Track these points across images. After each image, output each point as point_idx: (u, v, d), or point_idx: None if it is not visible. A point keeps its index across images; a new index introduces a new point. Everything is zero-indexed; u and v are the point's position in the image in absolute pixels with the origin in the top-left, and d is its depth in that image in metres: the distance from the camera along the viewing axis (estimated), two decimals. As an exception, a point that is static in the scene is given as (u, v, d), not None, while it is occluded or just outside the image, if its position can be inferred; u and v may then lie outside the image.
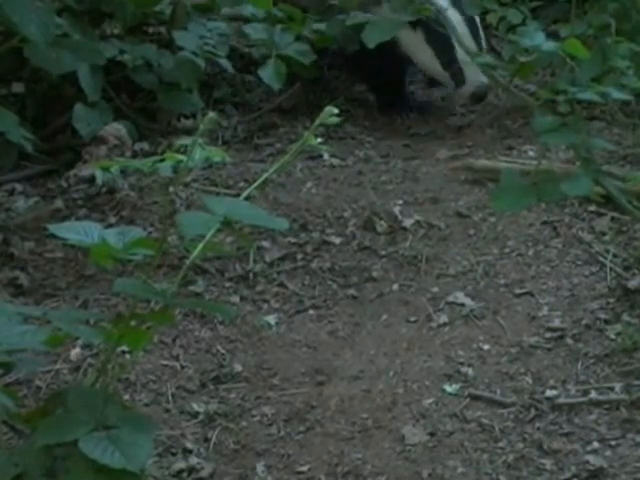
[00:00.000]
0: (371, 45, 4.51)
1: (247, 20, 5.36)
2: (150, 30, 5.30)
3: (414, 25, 4.22)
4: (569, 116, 3.43)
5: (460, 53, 4.20)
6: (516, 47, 3.56)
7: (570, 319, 3.77)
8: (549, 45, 3.44)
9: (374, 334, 3.80)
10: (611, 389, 3.50)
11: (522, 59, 4.18)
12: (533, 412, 3.44)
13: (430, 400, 3.49)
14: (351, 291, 4.01)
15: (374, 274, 4.07)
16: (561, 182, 3.18)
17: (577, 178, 3.22)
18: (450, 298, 3.90)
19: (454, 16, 4.23)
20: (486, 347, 3.69)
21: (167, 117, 5.14)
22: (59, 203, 4.52)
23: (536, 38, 3.50)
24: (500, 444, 3.34)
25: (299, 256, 4.18)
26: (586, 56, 3.36)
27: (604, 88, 3.38)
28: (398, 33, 4.34)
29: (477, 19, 4.43)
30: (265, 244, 4.21)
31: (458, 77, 4.28)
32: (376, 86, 4.80)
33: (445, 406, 3.47)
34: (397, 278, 4.05)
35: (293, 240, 4.25)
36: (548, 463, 3.26)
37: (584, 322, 3.76)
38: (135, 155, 4.81)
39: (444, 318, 3.82)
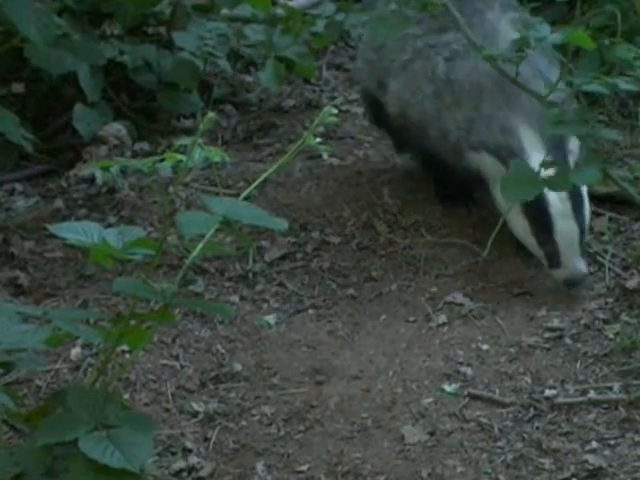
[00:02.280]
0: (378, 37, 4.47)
1: (246, 21, 5.37)
2: (150, 31, 5.30)
3: None
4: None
5: (559, 233, 3.60)
6: (522, 40, 3.51)
7: (569, 319, 3.78)
8: (555, 37, 3.44)
9: (373, 334, 3.80)
10: (610, 389, 3.50)
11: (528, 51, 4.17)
12: (532, 412, 3.45)
13: (429, 400, 3.50)
14: (350, 291, 4.01)
15: (373, 274, 4.08)
16: (570, 173, 3.18)
17: (586, 169, 3.23)
18: (449, 298, 3.91)
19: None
20: (485, 347, 3.69)
21: (167, 117, 5.14)
22: (59, 203, 4.52)
23: (541, 30, 3.49)
24: (499, 443, 3.34)
25: (299, 256, 4.19)
26: (592, 47, 3.36)
27: (611, 80, 3.38)
28: (495, 191, 3.66)
29: (584, 192, 3.72)
30: (265, 244, 4.22)
31: (553, 258, 3.64)
32: (443, 184, 4.12)
33: (444, 406, 3.48)
34: (396, 278, 4.05)
35: (293, 240, 4.25)
36: (547, 462, 3.27)
37: (583, 322, 3.76)
38: (135, 155, 4.82)
39: (443, 318, 3.82)
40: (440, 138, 3.78)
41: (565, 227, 3.59)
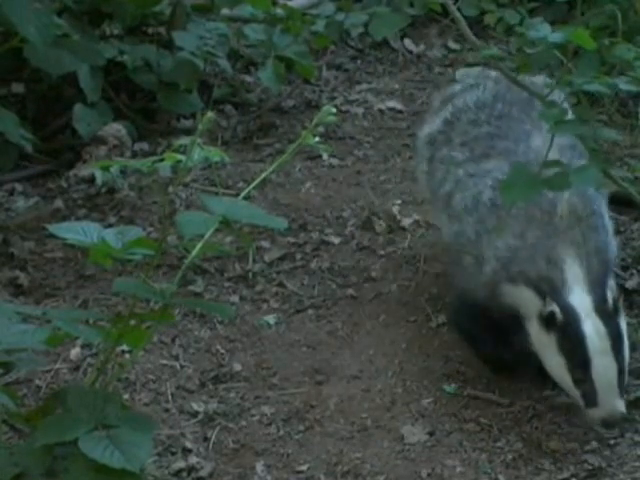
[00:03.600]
0: (378, 37, 4.40)
1: (246, 21, 5.37)
2: (149, 31, 5.30)
3: (548, 327, 3.27)
4: (575, 108, 3.42)
5: (596, 371, 3.28)
6: (522, 40, 3.49)
7: (568, 319, 3.77)
8: (555, 36, 3.43)
9: (373, 334, 3.81)
10: (609, 388, 3.50)
11: (529, 51, 4.16)
12: (531, 412, 3.45)
13: (429, 400, 3.50)
14: (350, 291, 4.01)
15: (373, 274, 4.08)
16: (569, 173, 3.17)
17: (585, 169, 3.22)
18: (449, 298, 3.91)
19: (595, 326, 3.27)
20: (485, 347, 3.69)
21: (166, 117, 5.14)
22: (59, 203, 4.52)
23: (542, 30, 3.49)
24: (499, 444, 3.34)
25: (298, 256, 4.19)
26: (593, 47, 3.35)
27: (611, 80, 3.37)
28: (529, 327, 3.37)
29: (623, 330, 3.41)
30: (264, 244, 4.22)
31: (590, 398, 3.31)
32: (481, 342, 3.66)
33: (444, 406, 3.48)
34: (396, 278, 4.05)
35: (292, 240, 4.26)
36: (547, 462, 3.27)
37: (583, 322, 3.76)
38: (135, 155, 4.82)
39: (443, 318, 3.82)
40: (475, 267, 3.44)
41: (603, 365, 3.29)
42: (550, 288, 3.24)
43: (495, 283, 3.38)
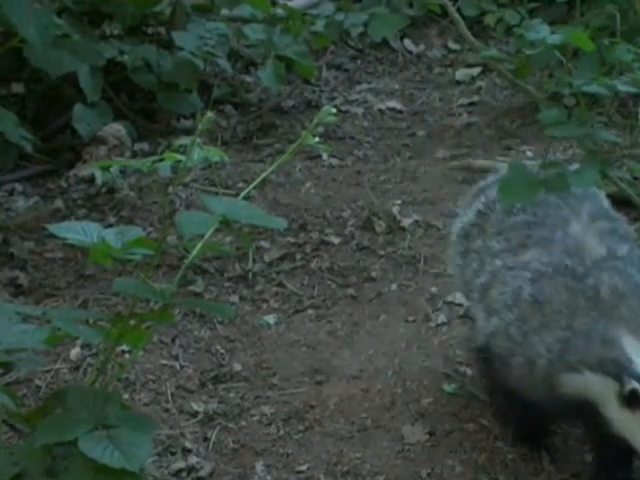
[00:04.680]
0: (377, 37, 4.35)
1: (246, 21, 5.37)
2: (149, 31, 5.31)
3: (631, 406, 3.04)
4: (574, 110, 3.41)
5: None
6: (521, 41, 3.48)
7: (568, 319, 3.77)
8: (554, 38, 3.43)
9: (373, 334, 3.81)
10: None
11: (528, 52, 4.16)
12: (531, 411, 3.45)
13: (429, 400, 3.50)
14: (350, 291, 4.01)
15: (373, 274, 4.08)
16: (567, 175, 3.17)
17: (583, 171, 3.22)
18: (449, 298, 3.91)
19: None
20: (484, 347, 3.69)
21: (166, 117, 5.15)
22: (59, 203, 4.53)
23: (541, 31, 3.49)
24: (499, 444, 3.34)
25: (298, 256, 4.19)
26: (592, 49, 3.35)
27: (610, 81, 3.37)
28: (606, 411, 3.13)
29: None
30: (264, 244, 4.22)
31: None
32: (524, 425, 3.42)
33: (444, 406, 3.48)
34: (396, 278, 4.05)
35: (292, 240, 4.26)
36: (547, 463, 3.27)
37: (582, 322, 3.76)
38: (134, 155, 4.83)
39: (442, 318, 3.83)
40: (526, 366, 3.21)
41: None
42: (619, 368, 3.06)
43: (552, 376, 3.16)
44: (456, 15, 4.81)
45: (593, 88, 3.36)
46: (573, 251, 3.16)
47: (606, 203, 3.43)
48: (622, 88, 3.38)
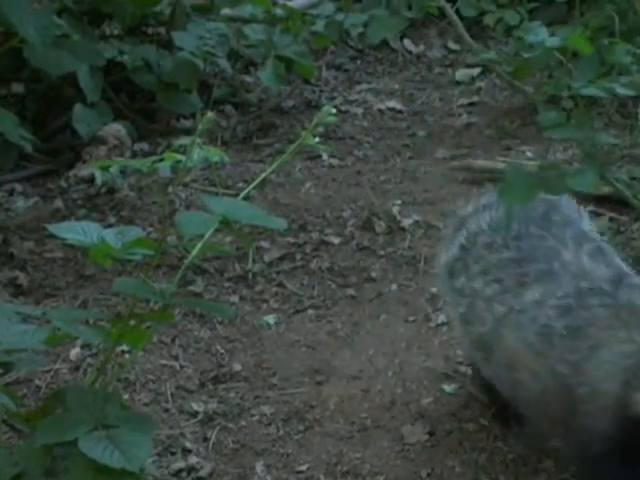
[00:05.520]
0: (375, 40, 4.35)
1: (246, 21, 5.37)
2: (149, 31, 5.31)
3: None
4: (572, 112, 3.42)
5: None
6: (520, 43, 3.48)
7: (568, 319, 3.77)
8: (553, 41, 3.43)
9: (373, 334, 3.81)
10: (609, 388, 3.49)
11: (526, 55, 4.15)
12: (531, 411, 3.45)
13: (429, 400, 3.50)
14: (350, 291, 4.01)
15: (373, 274, 4.08)
16: (566, 177, 3.16)
17: (582, 173, 3.21)
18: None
19: None
20: (484, 347, 3.69)
21: (166, 117, 5.15)
22: (59, 203, 4.53)
23: (540, 34, 3.49)
24: (499, 444, 3.34)
25: (298, 256, 4.19)
26: (590, 52, 3.35)
27: (608, 84, 3.37)
28: None
29: None
30: (264, 244, 4.22)
31: None
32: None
33: (444, 406, 3.48)
34: (396, 278, 4.05)
35: (292, 240, 4.26)
36: (547, 463, 3.27)
37: (582, 322, 3.75)
38: (134, 155, 4.83)
39: (443, 318, 3.82)
40: (593, 397, 2.95)
41: None
42: None
43: (627, 397, 2.91)
44: (454, 17, 4.81)
45: (591, 91, 3.36)
46: (582, 275, 3.03)
47: (581, 220, 3.29)
48: (620, 91, 3.39)
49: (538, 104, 4.36)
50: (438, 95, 5.59)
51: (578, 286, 3.00)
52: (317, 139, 2.82)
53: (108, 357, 2.89)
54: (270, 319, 3.89)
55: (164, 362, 3.69)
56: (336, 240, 4.26)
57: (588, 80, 3.33)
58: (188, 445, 3.37)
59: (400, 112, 5.43)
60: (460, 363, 3.63)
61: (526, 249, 3.14)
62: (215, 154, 2.73)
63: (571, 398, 2.98)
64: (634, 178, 4.33)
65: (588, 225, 3.30)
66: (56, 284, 4.06)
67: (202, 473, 3.27)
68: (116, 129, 4.81)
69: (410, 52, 6.06)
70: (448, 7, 4.76)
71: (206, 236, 2.73)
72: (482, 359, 3.21)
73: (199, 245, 2.74)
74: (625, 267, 3.14)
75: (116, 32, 5.19)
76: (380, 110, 5.42)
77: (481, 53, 4.73)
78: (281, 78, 5.15)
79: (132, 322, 2.83)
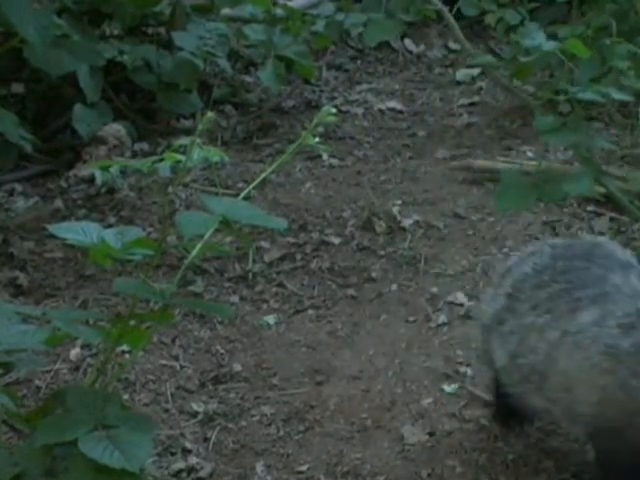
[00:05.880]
0: (372, 43, 4.35)
1: (246, 21, 5.37)
2: (149, 31, 5.31)
3: None
4: (569, 116, 3.42)
5: None
6: (517, 47, 3.49)
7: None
8: (550, 45, 3.44)
9: (373, 334, 3.80)
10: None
11: (523, 59, 4.16)
12: (532, 412, 3.45)
13: (429, 400, 3.50)
14: (350, 291, 4.01)
15: (373, 274, 4.08)
16: (562, 181, 3.17)
17: (578, 177, 3.21)
18: (449, 298, 3.91)
19: None
20: (485, 347, 3.69)
21: (166, 117, 5.15)
22: (59, 203, 4.52)
23: (537, 38, 3.50)
24: (499, 444, 3.34)
25: (298, 256, 4.19)
26: (588, 55, 3.36)
27: (604, 88, 3.38)
28: None
29: None
30: (264, 244, 4.22)
31: None
32: None
33: (444, 406, 3.48)
34: (396, 278, 4.05)
35: (292, 240, 4.26)
36: (547, 463, 3.27)
37: (583, 322, 3.75)
38: (134, 155, 4.83)
39: (443, 318, 3.82)
40: None
41: None
42: None
43: None
44: (452, 20, 4.82)
45: (588, 95, 3.37)
46: (637, 296, 3.03)
47: (623, 252, 3.28)
48: (616, 96, 3.39)
49: (534, 108, 4.37)
50: (438, 95, 5.59)
51: (637, 306, 3.00)
52: (317, 139, 2.82)
53: (108, 357, 2.89)
54: (270, 319, 3.89)
55: (164, 362, 3.69)
56: (336, 240, 4.25)
57: (589, 80, 3.34)
58: (188, 445, 3.37)
59: (400, 112, 5.43)
60: (460, 363, 3.63)
61: (574, 279, 3.14)
62: (215, 154, 2.73)
63: (624, 435, 2.99)
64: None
65: (629, 257, 3.28)
66: (56, 284, 4.06)
67: (202, 473, 3.27)
68: (116, 129, 4.81)
69: (410, 52, 6.06)
70: (446, 10, 4.77)
71: (206, 236, 2.73)
72: (533, 389, 3.18)
73: (199, 245, 2.74)
74: None
75: (116, 32, 5.19)
76: (380, 110, 5.43)
77: (478, 57, 4.74)
78: (281, 78, 5.15)
79: (132, 322, 2.83)
